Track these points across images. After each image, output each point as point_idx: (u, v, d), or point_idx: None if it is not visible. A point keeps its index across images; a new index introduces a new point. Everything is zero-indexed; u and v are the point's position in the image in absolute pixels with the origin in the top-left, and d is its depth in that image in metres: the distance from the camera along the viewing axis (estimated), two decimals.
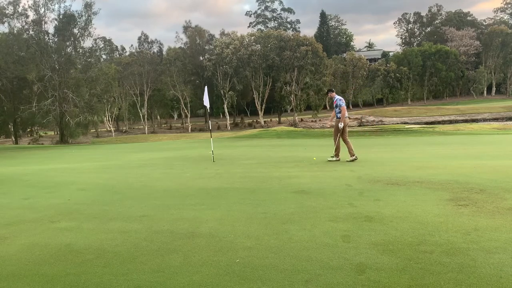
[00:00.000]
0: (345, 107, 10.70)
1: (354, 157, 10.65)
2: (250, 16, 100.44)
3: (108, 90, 56.31)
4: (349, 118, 10.61)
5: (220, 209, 5.75)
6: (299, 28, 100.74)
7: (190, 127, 70.62)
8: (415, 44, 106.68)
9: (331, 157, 10.99)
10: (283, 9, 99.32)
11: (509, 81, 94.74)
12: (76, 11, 49.03)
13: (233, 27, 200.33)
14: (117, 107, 69.64)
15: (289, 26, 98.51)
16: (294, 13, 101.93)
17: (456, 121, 58.31)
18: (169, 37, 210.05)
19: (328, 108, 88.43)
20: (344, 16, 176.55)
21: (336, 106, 10.76)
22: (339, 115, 10.70)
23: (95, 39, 57.76)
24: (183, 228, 4.85)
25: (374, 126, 52.57)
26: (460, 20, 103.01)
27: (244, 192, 6.91)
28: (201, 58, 71.44)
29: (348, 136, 11.06)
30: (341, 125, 10.65)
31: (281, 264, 3.58)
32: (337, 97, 10.84)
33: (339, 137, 10.79)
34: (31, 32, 47.82)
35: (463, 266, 3.34)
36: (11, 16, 46.02)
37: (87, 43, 72.15)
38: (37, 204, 6.84)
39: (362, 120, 68.54)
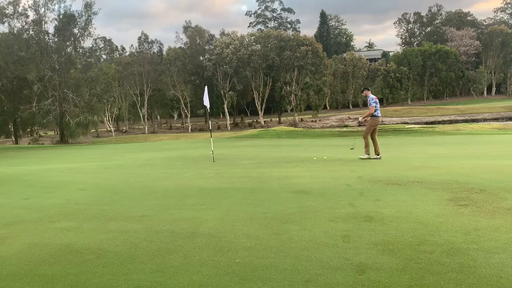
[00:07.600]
0: (375, 106, 10.75)
1: (377, 156, 10.89)
2: (250, 16, 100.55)
3: (108, 90, 56.27)
4: (372, 118, 10.89)
5: (220, 209, 5.75)
6: (299, 28, 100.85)
7: (190, 127, 70.58)
8: (415, 44, 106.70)
9: (365, 155, 11.16)
10: (283, 9, 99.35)
11: (509, 81, 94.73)
12: (76, 11, 49.09)
13: (231, 27, 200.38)
14: (117, 107, 69.58)
15: (289, 26, 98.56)
16: (294, 13, 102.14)
17: (456, 121, 58.32)
18: (167, 37, 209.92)
19: (328, 108, 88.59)
20: (341, 16, 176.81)
21: (370, 104, 10.88)
22: (375, 113, 10.84)
23: (95, 39, 57.98)
24: (183, 228, 4.84)
25: None
26: (460, 20, 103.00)
27: (244, 192, 6.91)
28: (201, 58, 71.37)
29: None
30: (361, 120, 11.21)
31: (281, 264, 3.58)
32: (370, 96, 10.95)
33: (368, 136, 11.03)
34: (31, 32, 47.80)
35: (463, 266, 3.34)
36: (11, 16, 46.03)
37: (87, 43, 72.25)
38: (37, 204, 6.83)
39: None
